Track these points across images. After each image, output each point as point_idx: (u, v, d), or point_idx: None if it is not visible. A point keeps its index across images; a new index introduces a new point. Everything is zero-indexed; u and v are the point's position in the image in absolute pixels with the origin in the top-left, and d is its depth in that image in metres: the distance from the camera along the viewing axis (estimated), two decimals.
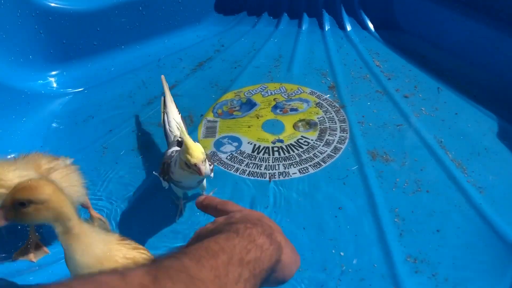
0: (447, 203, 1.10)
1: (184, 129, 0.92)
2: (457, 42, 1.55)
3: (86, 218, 1.04)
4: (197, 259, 0.40)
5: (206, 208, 0.68)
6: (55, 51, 1.50)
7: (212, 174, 1.00)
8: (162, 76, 1.23)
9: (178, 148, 0.99)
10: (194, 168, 0.87)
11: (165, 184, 1.01)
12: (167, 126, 1.12)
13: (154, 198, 1.14)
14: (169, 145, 1.08)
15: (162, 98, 1.17)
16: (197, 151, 0.86)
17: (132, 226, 1.07)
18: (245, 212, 0.62)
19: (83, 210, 1.05)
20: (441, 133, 1.29)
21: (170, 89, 1.42)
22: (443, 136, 1.28)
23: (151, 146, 1.28)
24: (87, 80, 1.52)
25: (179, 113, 1.15)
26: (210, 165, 0.97)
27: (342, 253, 1.00)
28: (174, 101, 1.16)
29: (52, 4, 1.46)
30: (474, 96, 1.41)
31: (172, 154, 0.99)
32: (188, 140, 0.87)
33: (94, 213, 1.06)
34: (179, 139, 1.04)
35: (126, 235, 0.78)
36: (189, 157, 0.86)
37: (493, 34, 1.46)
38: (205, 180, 1.04)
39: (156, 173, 1.05)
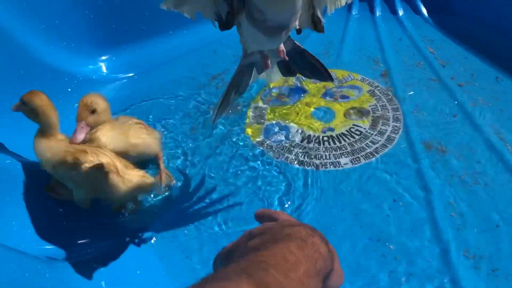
0: (507, 198, 1.06)
1: None
2: None
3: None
4: (284, 272, 0.40)
5: (262, 216, 0.65)
6: (105, 36, 1.51)
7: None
8: None
9: None
10: None
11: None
12: None
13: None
14: None
15: None
16: None
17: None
18: (293, 220, 0.60)
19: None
20: (500, 124, 1.24)
21: (218, 76, 1.42)
22: (502, 127, 1.23)
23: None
24: (136, 65, 1.52)
25: None
26: None
27: (391, 247, 0.98)
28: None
29: None
30: None
31: None
32: None
33: (163, 167, 1.13)
34: None
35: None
36: None
37: None
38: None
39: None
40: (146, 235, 1.02)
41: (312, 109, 1.32)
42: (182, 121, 1.31)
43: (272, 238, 0.47)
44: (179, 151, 1.22)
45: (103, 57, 1.52)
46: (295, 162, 1.17)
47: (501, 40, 1.51)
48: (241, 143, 1.23)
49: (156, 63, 1.54)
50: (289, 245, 0.45)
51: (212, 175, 1.15)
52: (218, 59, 1.54)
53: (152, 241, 1.01)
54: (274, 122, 1.29)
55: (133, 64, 1.53)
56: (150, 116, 1.33)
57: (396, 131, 1.24)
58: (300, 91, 1.39)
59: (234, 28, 0.82)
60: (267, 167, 1.16)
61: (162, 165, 1.14)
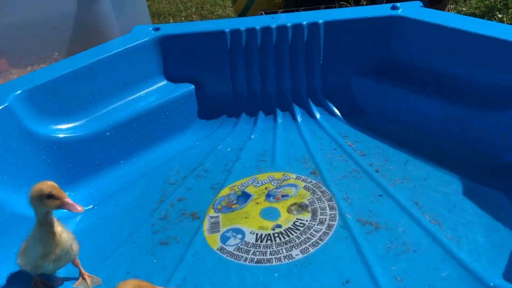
0: (434, 260, 1.26)
1: None
2: (413, 116, 1.79)
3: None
4: None
5: None
6: (62, 176, 1.67)
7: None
8: None
9: None
10: None
11: None
12: None
13: None
14: None
15: None
16: None
17: None
18: None
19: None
20: (416, 196, 1.48)
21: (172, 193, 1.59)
22: (418, 199, 1.47)
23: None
24: (94, 197, 1.67)
25: None
26: None
27: None
28: None
29: (59, 135, 1.68)
30: (438, 161, 1.62)
31: None
32: None
33: (85, 273, 1.31)
34: None
35: None
36: None
37: (440, 105, 1.72)
38: None
39: None
40: None
41: (259, 211, 1.51)
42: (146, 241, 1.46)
43: None
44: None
45: None
46: (254, 261, 1.33)
47: (404, 129, 1.82)
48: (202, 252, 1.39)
49: (112, 191, 1.70)
50: None
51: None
52: (169, 179, 1.72)
53: None
54: (228, 228, 1.46)
55: (91, 196, 1.68)
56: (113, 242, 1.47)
57: (334, 219, 1.44)
58: (246, 196, 1.58)
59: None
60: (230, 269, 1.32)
61: (83, 272, 1.31)
